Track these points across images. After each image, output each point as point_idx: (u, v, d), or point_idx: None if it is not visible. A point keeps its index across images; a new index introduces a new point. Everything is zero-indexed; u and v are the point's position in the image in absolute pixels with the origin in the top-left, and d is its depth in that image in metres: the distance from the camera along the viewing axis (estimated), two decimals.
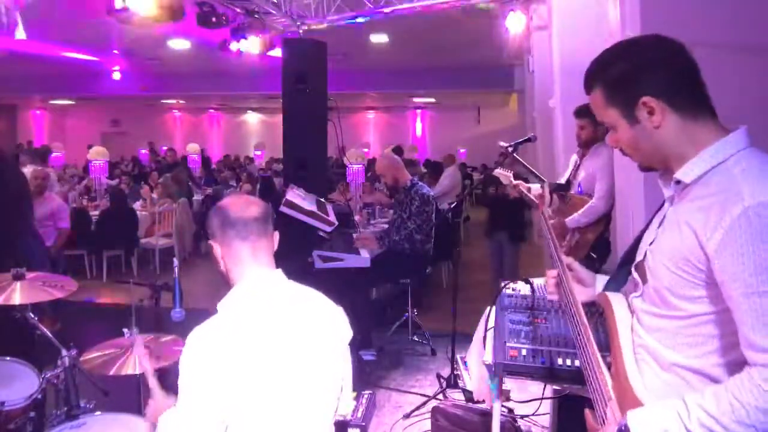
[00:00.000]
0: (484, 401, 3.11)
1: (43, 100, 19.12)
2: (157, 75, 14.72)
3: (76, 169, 13.45)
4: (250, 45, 6.65)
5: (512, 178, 2.97)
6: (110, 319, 5.13)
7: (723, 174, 1.16)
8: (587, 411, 1.31)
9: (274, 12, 6.29)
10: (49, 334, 2.51)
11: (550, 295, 1.60)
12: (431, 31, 9.16)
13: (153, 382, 1.78)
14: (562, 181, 4.19)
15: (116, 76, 14.55)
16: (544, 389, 2.57)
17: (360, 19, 6.29)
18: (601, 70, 1.30)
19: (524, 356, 2.02)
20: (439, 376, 4.04)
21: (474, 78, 13.61)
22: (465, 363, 3.90)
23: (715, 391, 1.10)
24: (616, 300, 1.41)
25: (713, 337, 1.18)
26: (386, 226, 5.62)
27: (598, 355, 1.30)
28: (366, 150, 15.07)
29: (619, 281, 1.47)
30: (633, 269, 1.37)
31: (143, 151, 18.39)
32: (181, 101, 19.96)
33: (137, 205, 8.34)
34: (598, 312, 1.57)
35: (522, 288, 2.47)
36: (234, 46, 6.73)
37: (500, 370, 2.04)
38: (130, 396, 2.54)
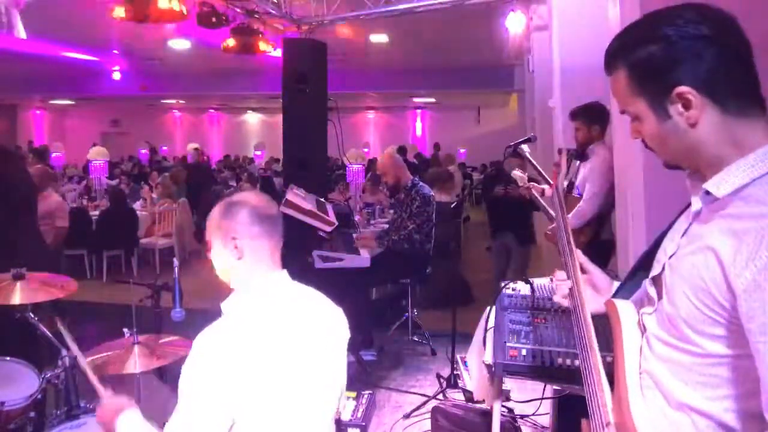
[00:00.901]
0: (484, 401, 3.11)
1: (43, 100, 19.14)
2: (157, 75, 14.74)
3: (76, 169, 13.46)
4: (250, 45, 6.65)
5: (527, 180, 2.99)
6: (110, 319, 5.13)
7: (767, 190, 0.94)
8: (583, 421, 1.18)
9: (274, 12, 6.29)
10: (49, 334, 2.50)
11: (558, 299, 1.36)
12: (431, 31, 9.17)
13: (95, 381, 1.74)
14: (565, 182, 4.18)
15: (116, 76, 14.58)
16: (544, 389, 2.57)
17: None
18: (626, 49, 1.05)
19: (524, 356, 2.02)
20: (439, 376, 4.04)
21: (474, 78, 13.62)
22: (465, 363, 3.90)
23: None
24: (625, 311, 1.20)
25: (730, 382, 0.98)
26: (386, 226, 5.63)
27: (602, 371, 1.11)
28: (366, 150, 15.08)
29: (630, 288, 1.26)
30: (650, 282, 1.16)
31: (143, 151, 18.41)
32: (181, 101, 19.97)
33: (137, 205, 8.35)
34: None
35: (522, 288, 2.46)
36: (234, 45, 6.73)
37: (500, 370, 2.04)
38: (129, 396, 2.53)
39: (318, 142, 5.17)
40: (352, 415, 2.92)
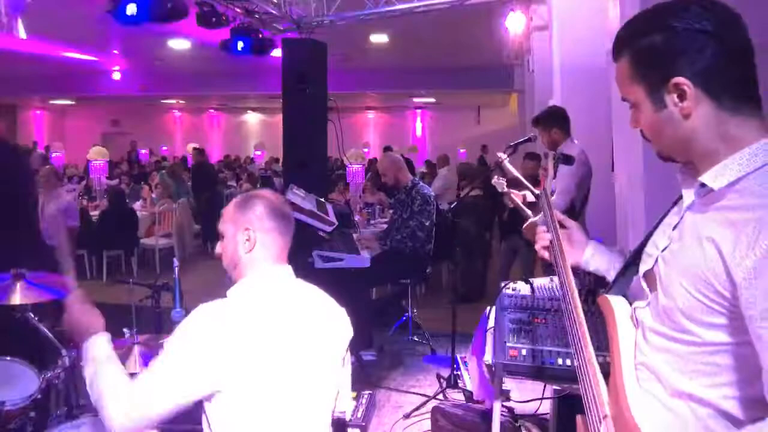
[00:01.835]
0: (484, 401, 3.11)
1: (43, 100, 19.14)
2: (157, 75, 14.73)
3: (77, 169, 13.45)
4: (250, 45, 6.64)
5: (506, 187, 3.04)
6: (110, 319, 5.12)
7: (763, 182, 0.96)
8: (579, 417, 1.20)
9: (274, 12, 6.28)
10: (50, 334, 2.50)
11: (540, 252, 1.44)
12: (431, 31, 9.16)
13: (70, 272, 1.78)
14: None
15: (116, 76, 14.58)
16: (544, 389, 2.57)
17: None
18: (631, 37, 1.09)
19: (524, 356, 2.02)
20: (439, 376, 4.04)
21: (474, 78, 13.61)
22: (465, 363, 3.90)
23: None
24: (618, 306, 1.22)
25: (729, 369, 1.00)
26: (386, 226, 5.63)
27: (596, 365, 1.12)
28: (366, 150, 15.08)
29: (622, 285, 1.29)
30: (641, 277, 1.19)
31: (143, 151, 18.43)
32: (181, 101, 19.97)
33: (137, 205, 8.35)
34: (598, 311, 1.40)
35: (522, 288, 2.46)
36: (234, 45, 6.71)
37: (500, 370, 2.04)
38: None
39: (318, 142, 5.17)
40: (352, 415, 2.92)
